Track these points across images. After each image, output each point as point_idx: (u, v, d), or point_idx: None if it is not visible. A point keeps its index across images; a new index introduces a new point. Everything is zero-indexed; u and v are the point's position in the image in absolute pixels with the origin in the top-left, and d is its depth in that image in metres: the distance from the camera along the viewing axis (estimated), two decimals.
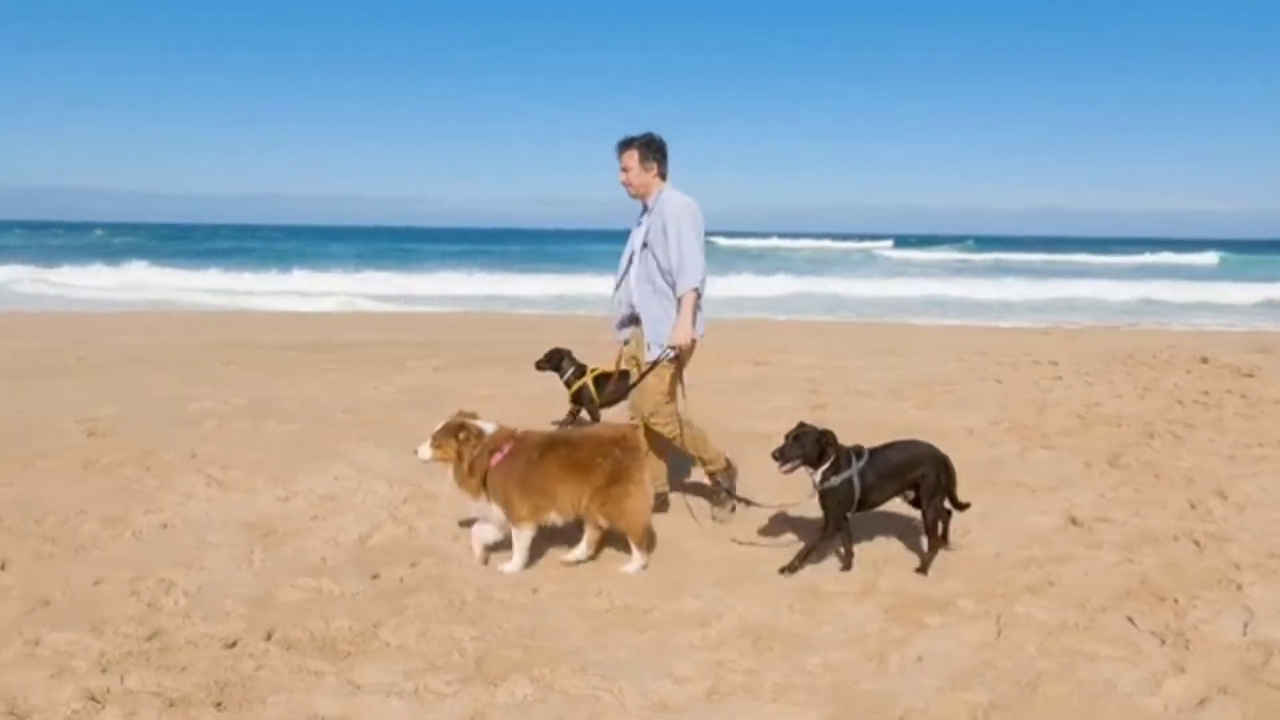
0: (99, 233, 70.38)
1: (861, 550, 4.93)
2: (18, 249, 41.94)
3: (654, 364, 5.14)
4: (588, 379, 7.01)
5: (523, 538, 4.54)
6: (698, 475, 5.88)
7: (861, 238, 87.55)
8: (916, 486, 4.74)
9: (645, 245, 5.17)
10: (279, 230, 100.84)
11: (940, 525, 4.83)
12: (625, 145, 5.17)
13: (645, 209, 5.27)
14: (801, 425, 4.67)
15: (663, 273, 5.12)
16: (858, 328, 16.80)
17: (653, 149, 5.16)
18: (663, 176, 5.22)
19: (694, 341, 5.14)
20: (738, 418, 8.19)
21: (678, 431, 5.29)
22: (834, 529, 4.67)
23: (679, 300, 5.05)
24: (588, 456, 4.42)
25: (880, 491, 4.73)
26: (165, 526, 5.22)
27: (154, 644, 3.80)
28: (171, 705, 3.32)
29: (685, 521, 5.43)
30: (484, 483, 4.47)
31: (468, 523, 4.92)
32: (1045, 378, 10.55)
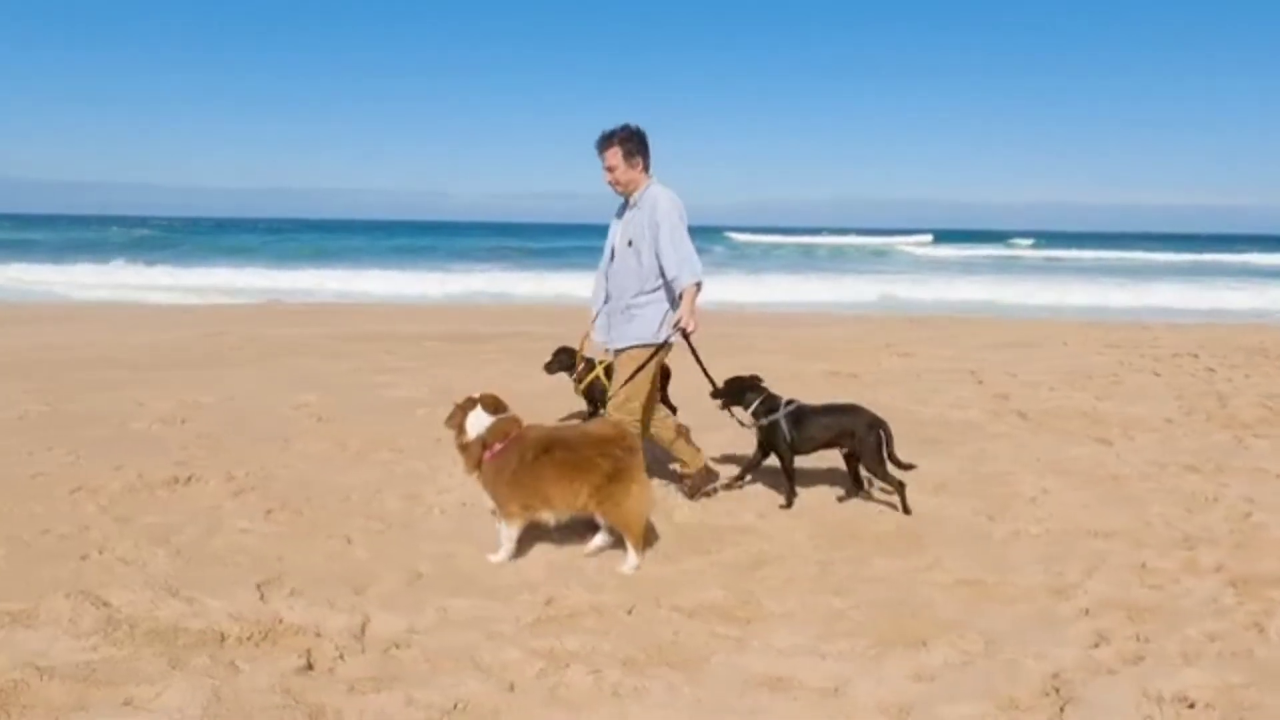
0: (144, 230, 70.88)
1: (1177, 530, 5.06)
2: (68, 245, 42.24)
3: (658, 349, 5.14)
4: (599, 371, 6.54)
5: (510, 530, 4.47)
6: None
7: (888, 233, 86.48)
8: (853, 448, 5.41)
9: (629, 243, 5.04)
10: (301, 223, 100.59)
11: (900, 495, 5.34)
12: (606, 142, 4.97)
13: (627, 203, 5.13)
14: (735, 377, 5.61)
15: (647, 270, 5.01)
16: (962, 322, 16.81)
17: (634, 143, 4.98)
18: (647, 169, 5.06)
19: (668, 344, 5.13)
20: (923, 408, 8.34)
21: (639, 425, 5.20)
22: (782, 464, 5.49)
23: (680, 294, 4.95)
24: (586, 456, 4.36)
25: (807, 438, 5.42)
26: (464, 505, 5.40)
27: (558, 609, 3.98)
28: (625, 664, 3.50)
29: (973, 502, 5.56)
30: (479, 468, 4.51)
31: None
32: (1198, 369, 10.60)
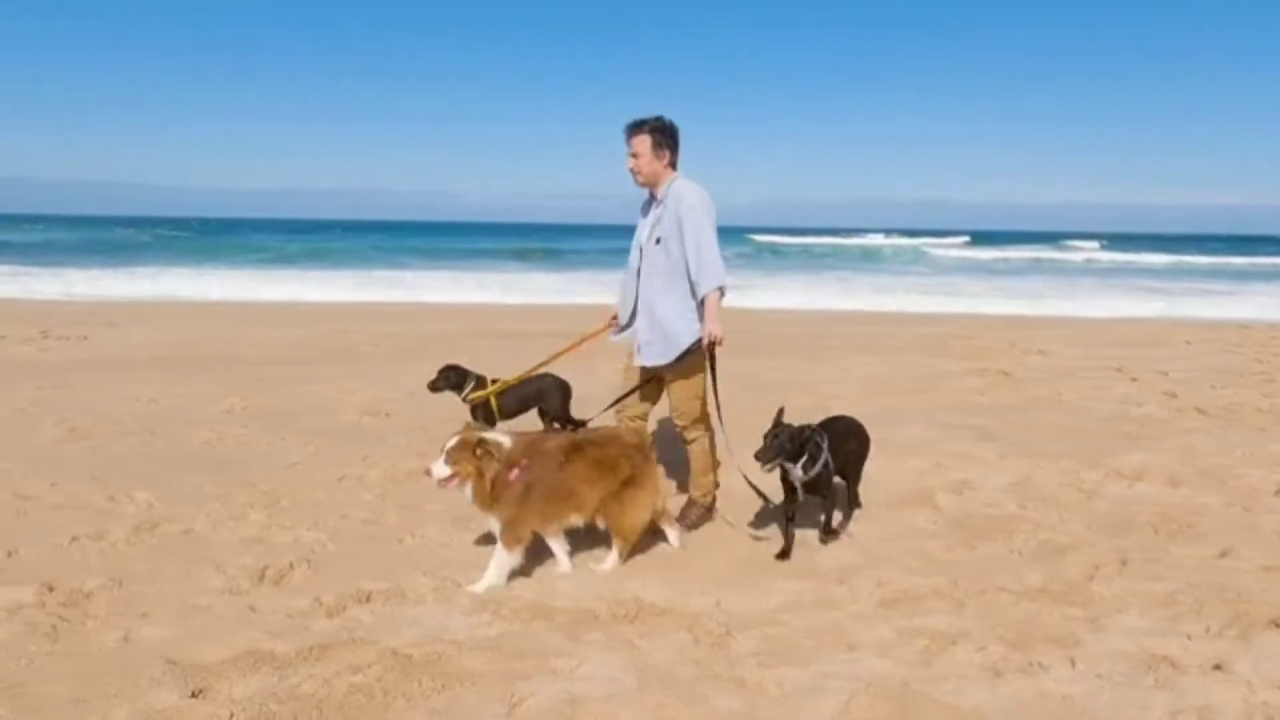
0: (189, 231, 71.39)
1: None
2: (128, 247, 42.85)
3: (681, 359, 4.74)
4: (490, 392, 6.19)
5: (508, 561, 4.16)
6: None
7: (918, 234, 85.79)
8: (847, 460, 5.00)
9: (658, 240, 4.74)
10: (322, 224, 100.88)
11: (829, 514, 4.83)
12: (635, 129, 4.71)
13: (653, 199, 4.85)
14: (784, 424, 4.55)
15: (675, 270, 4.70)
16: (1062, 324, 16.82)
17: (665, 135, 4.71)
18: (673, 166, 4.79)
19: (715, 341, 4.66)
20: (1097, 404, 8.44)
21: (707, 443, 4.96)
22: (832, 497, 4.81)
23: (702, 300, 4.64)
24: (612, 456, 4.32)
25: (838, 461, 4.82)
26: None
27: (893, 591, 4.14)
28: (1003, 642, 3.63)
29: (1216, 495, 5.65)
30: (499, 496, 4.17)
31: (484, 538, 4.65)
32: None
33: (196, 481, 5.66)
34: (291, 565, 4.35)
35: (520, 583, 4.20)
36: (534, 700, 3.17)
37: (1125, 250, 57.36)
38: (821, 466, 4.62)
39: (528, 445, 4.25)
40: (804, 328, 15.37)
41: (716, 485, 5.15)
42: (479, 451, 4.10)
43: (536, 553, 4.40)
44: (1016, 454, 6.53)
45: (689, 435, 4.93)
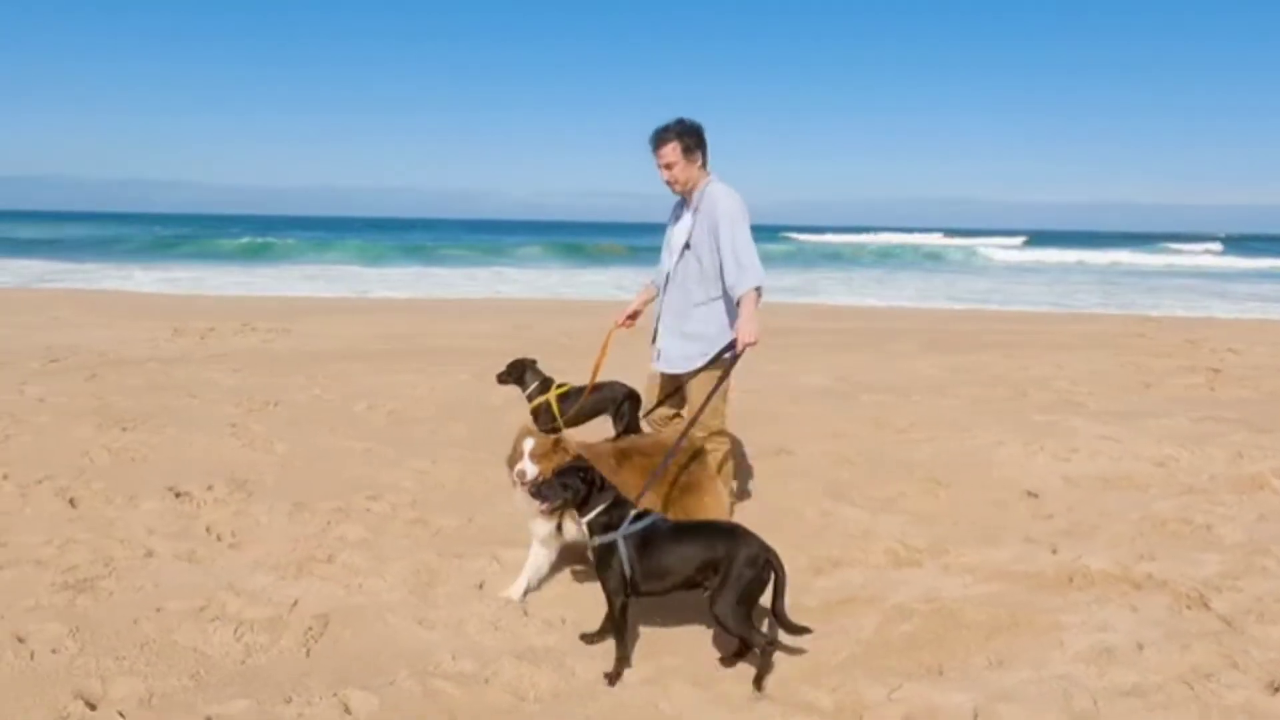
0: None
1: None
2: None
3: (721, 369, 4.57)
4: (550, 396, 6.06)
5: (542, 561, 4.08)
6: None
7: (970, 233, 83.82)
8: None
9: (688, 247, 4.61)
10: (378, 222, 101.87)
11: None
12: (662, 137, 4.54)
13: (684, 203, 4.72)
14: None
15: (705, 277, 4.59)
16: (1219, 322, 16.83)
17: (694, 137, 4.55)
18: (703, 168, 4.64)
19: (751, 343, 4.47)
20: None
21: (724, 454, 4.74)
22: None
23: (738, 300, 4.49)
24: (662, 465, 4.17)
25: None
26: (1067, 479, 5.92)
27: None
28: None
29: None
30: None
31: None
32: None
33: None
34: None
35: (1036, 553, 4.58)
36: (1075, 647, 3.56)
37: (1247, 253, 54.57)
38: None
39: (582, 448, 4.15)
40: (966, 324, 15.63)
41: (733, 498, 4.97)
42: (558, 449, 3.95)
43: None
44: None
45: (709, 446, 4.61)
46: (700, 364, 4.61)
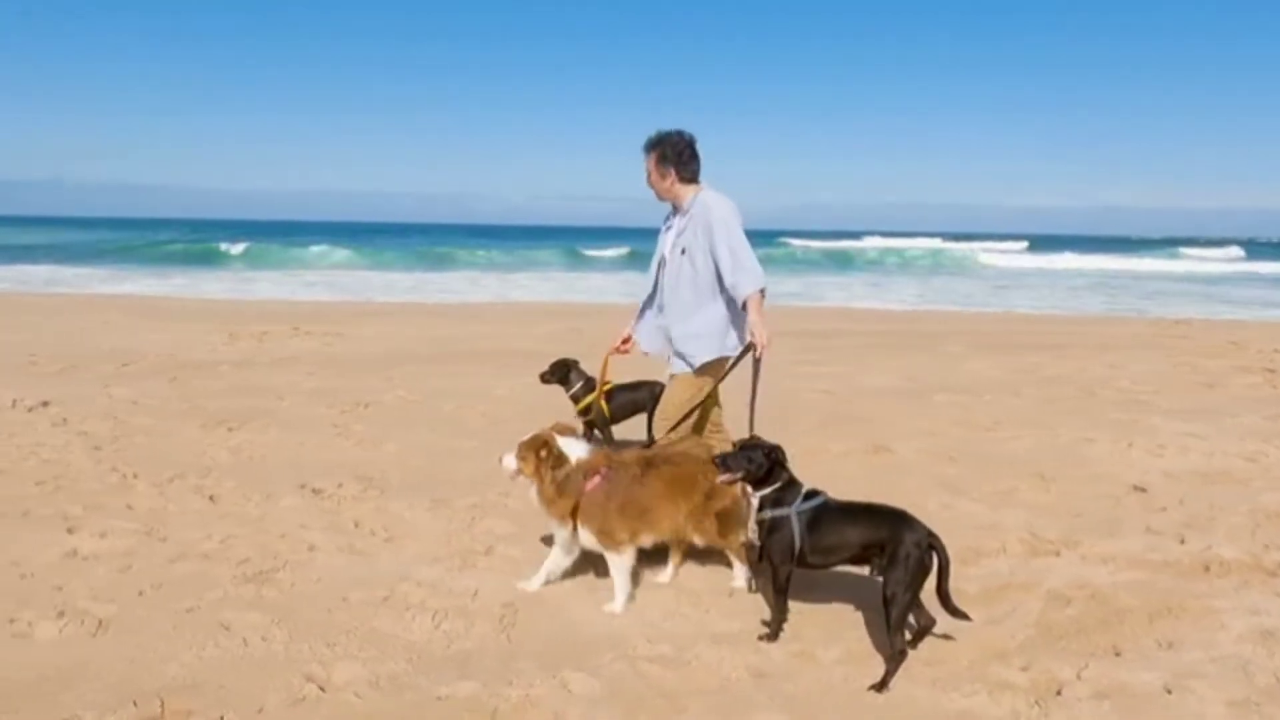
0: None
1: None
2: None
3: (736, 361, 4.70)
4: (598, 395, 6.14)
5: (624, 565, 4.06)
6: None
7: (969, 237, 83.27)
8: None
9: (683, 251, 4.70)
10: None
11: None
12: (645, 149, 4.78)
13: (675, 210, 4.85)
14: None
15: (699, 281, 4.67)
16: (1255, 326, 17.00)
17: (669, 155, 4.69)
18: (685, 181, 4.74)
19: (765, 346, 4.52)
20: None
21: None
22: None
23: (743, 303, 4.58)
24: (689, 473, 4.18)
25: None
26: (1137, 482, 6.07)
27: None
28: None
29: None
30: (575, 509, 4.07)
31: (548, 539, 4.43)
32: None
33: None
34: None
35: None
36: (1235, 629, 3.72)
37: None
38: None
39: (608, 456, 4.21)
40: (1000, 326, 15.79)
41: None
42: (542, 454, 4.02)
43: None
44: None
45: (713, 441, 4.73)
46: (693, 366, 4.71)
